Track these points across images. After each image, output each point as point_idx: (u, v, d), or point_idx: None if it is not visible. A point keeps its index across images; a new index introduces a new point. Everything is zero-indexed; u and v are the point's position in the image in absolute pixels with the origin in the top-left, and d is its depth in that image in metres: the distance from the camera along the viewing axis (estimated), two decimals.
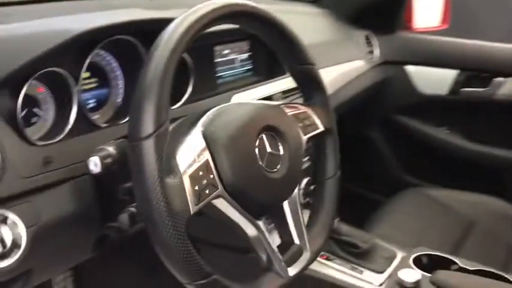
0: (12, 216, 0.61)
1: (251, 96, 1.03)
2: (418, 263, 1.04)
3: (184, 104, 0.93)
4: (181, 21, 0.60)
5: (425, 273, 0.97)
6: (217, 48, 1.05)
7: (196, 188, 0.56)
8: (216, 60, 1.06)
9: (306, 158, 1.01)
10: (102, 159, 0.60)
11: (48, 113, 0.75)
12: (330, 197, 0.82)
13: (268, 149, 0.67)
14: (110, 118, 0.84)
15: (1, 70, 0.64)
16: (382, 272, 1.02)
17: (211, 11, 0.63)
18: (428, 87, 1.68)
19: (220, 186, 0.59)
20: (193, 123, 0.63)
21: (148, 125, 0.53)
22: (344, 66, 1.52)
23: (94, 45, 0.74)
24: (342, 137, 1.86)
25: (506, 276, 0.98)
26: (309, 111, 0.80)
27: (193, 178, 0.56)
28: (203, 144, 0.60)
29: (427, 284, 0.94)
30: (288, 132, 0.71)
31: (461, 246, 1.29)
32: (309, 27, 1.54)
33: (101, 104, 0.85)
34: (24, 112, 0.70)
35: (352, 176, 1.89)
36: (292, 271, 0.68)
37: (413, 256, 1.05)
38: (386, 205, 1.50)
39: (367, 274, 1.02)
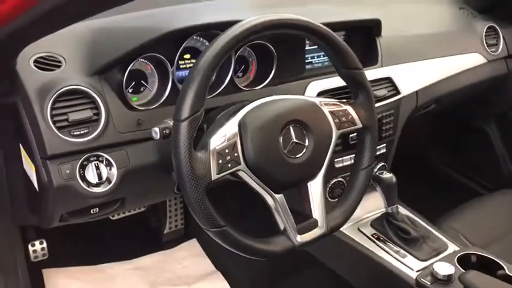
0: (109, 159, 0.87)
1: (327, 85, 1.15)
2: (466, 261, 1.09)
3: (266, 86, 1.11)
4: (236, 28, 0.77)
5: (462, 270, 1.04)
6: None
7: (220, 161, 0.75)
8: (307, 48, 1.20)
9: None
10: (161, 130, 0.82)
11: (153, 85, 0.99)
12: (360, 185, 0.94)
13: (293, 139, 0.82)
14: None
15: (115, 52, 0.89)
16: (424, 261, 1.11)
17: (262, 23, 0.79)
18: None
19: (242, 162, 0.77)
20: (233, 114, 0.81)
21: (185, 110, 0.73)
22: (460, 57, 1.52)
23: (188, 36, 0.96)
24: (453, 127, 1.87)
25: None
26: (349, 109, 0.91)
27: (220, 154, 0.75)
28: (236, 129, 0.78)
29: (456, 281, 1.01)
30: (315, 126, 0.85)
31: None
32: (428, 16, 1.56)
33: None
34: (133, 83, 0.96)
35: (462, 167, 1.89)
36: (302, 239, 0.84)
37: (461, 253, 1.11)
38: (477, 200, 1.51)
39: (409, 259, 1.11)
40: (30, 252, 1.20)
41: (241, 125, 0.79)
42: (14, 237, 1.09)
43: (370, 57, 1.28)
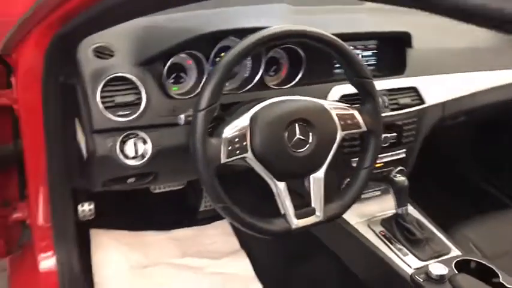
0: (146, 137, 1.03)
1: (350, 90, 1.25)
2: (465, 266, 1.16)
3: (293, 86, 1.22)
4: (253, 36, 0.90)
5: (456, 273, 1.11)
6: None
7: (230, 148, 0.88)
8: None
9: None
10: (186, 117, 0.96)
11: (191, 78, 1.14)
12: (360, 182, 1.04)
13: (298, 135, 0.94)
14: (235, 87, 1.20)
15: (158, 47, 1.04)
16: (423, 261, 1.19)
17: (277, 33, 0.91)
18: None
19: (250, 151, 0.90)
20: (247, 109, 0.94)
21: (203, 102, 0.86)
22: (496, 73, 1.55)
23: (221, 37, 1.09)
24: (493, 141, 1.89)
25: None
26: (356, 114, 1.01)
27: (230, 141, 0.88)
28: (247, 122, 0.91)
29: (448, 282, 1.08)
30: (320, 125, 0.96)
31: None
32: (466, 31, 1.60)
33: (232, 76, 1.20)
34: (174, 74, 1.11)
35: (494, 178, 1.92)
36: (299, 223, 0.96)
37: (460, 258, 1.18)
38: (499, 213, 1.54)
39: (409, 258, 1.20)
40: (79, 211, 1.39)
41: (252, 119, 0.92)
42: (66, 197, 1.28)
43: (398, 67, 1.36)
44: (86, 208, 1.40)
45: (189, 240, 1.70)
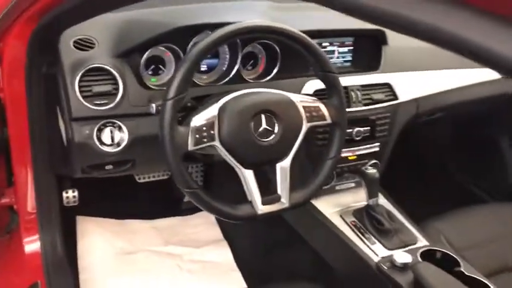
0: (122, 126, 1.08)
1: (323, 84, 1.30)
2: (431, 256, 1.21)
3: (269, 80, 1.27)
4: (221, 30, 0.94)
5: (420, 261, 1.16)
6: (316, 41, 1.34)
7: (197, 136, 0.93)
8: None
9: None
10: (157, 106, 1.01)
11: (169, 70, 1.19)
12: (324, 172, 1.09)
13: (264, 125, 0.99)
14: (213, 80, 1.24)
15: (136, 40, 1.09)
16: (390, 250, 1.24)
17: (246, 28, 0.95)
18: None
19: (217, 139, 0.95)
20: (217, 100, 0.99)
21: (172, 92, 0.91)
22: (470, 71, 1.60)
23: (197, 31, 1.14)
24: (470, 137, 1.94)
25: (490, 286, 1.09)
26: (322, 106, 1.06)
27: (198, 130, 0.93)
28: (216, 112, 0.96)
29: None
30: (284, 115, 1.00)
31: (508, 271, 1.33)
32: None
33: (211, 69, 1.25)
34: (152, 66, 1.16)
35: (471, 173, 1.96)
36: (265, 209, 1.01)
37: (426, 248, 1.23)
38: (473, 208, 1.59)
39: (377, 246, 1.25)
40: (64, 198, 1.44)
41: (220, 109, 0.97)
42: (51, 184, 1.33)
43: (373, 63, 1.40)
44: (70, 195, 1.45)
45: (172, 229, 1.75)
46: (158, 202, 1.84)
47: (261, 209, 1.01)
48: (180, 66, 0.92)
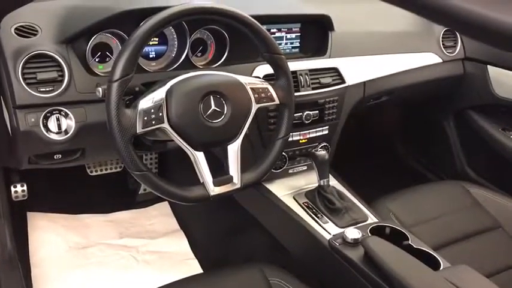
0: (69, 113, 1.06)
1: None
2: (380, 232, 1.25)
3: (219, 65, 1.28)
4: (165, 12, 0.94)
5: (369, 236, 1.20)
6: (264, 27, 1.36)
7: (145, 118, 0.93)
8: None
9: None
10: (103, 90, 1.00)
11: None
12: (274, 152, 1.11)
13: (213, 106, 1.00)
14: (163, 67, 1.24)
15: (80, 25, 1.07)
16: (342, 228, 1.27)
17: (190, 9, 0.96)
18: (506, 92, 1.71)
19: (166, 121, 0.95)
20: (164, 82, 0.99)
21: (117, 73, 0.90)
22: (414, 55, 1.66)
23: (147, 15, 1.13)
24: (418, 120, 2.01)
25: (437, 257, 1.14)
26: (269, 88, 1.08)
27: (145, 112, 0.93)
28: (163, 95, 0.96)
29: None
30: (234, 98, 1.02)
31: (457, 244, 1.38)
32: (388, 16, 1.70)
33: (159, 55, 1.25)
34: (99, 53, 1.14)
35: (419, 155, 2.05)
36: (217, 191, 1.02)
37: (375, 224, 1.27)
38: (420, 187, 1.65)
39: (329, 225, 1.28)
40: (12, 192, 1.41)
41: (168, 91, 0.97)
42: None
43: (321, 48, 1.44)
44: (18, 189, 1.41)
45: (127, 222, 1.74)
46: (113, 195, 1.82)
47: (213, 190, 1.01)
48: (124, 48, 0.92)
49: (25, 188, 1.42)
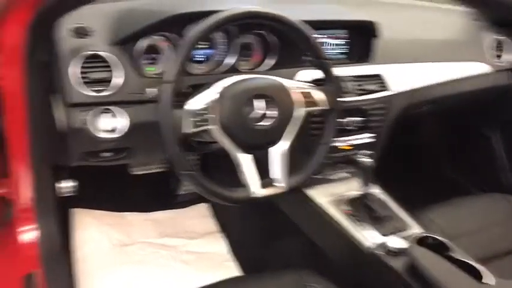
0: (119, 113, 1.09)
1: (311, 75, 1.30)
2: (423, 242, 1.23)
3: (269, 69, 1.29)
4: (222, 13, 0.97)
5: (416, 246, 1.18)
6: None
7: (196, 119, 0.94)
8: None
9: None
10: (156, 90, 1.02)
11: (166, 58, 1.20)
12: (318, 157, 1.11)
13: (262, 110, 1.01)
14: (208, 70, 1.26)
15: (133, 28, 1.10)
16: (384, 236, 1.25)
17: (243, 13, 0.98)
18: None
19: (216, 123, 0.97)
20: (214, 85, 1.01)
21: (172, 74, 0.93)
22: (460, 64, 1.63)
23: (199, 18, 1.15)
24: (462, 131, 1.97)
25: (482, 270, 1.11)
26: (318, 92, 1.08)
27: (196, 113, 0.95)
28: (216, 97, 0.98)
29: (405, 255, 1.15)
30: (282, 100, 1.03)
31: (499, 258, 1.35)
32: (437, 24, 1.68)
33: (207, 59, 1.27)
34: (149, 55, 1.17)
35: (462, 166, 2.00)
36: (261, 192, 1.02)
37: (419, 234, 1.24)
38: (464, 199, 1.61)
39: (370, 232, 1.26)
40: (60, 188, 1.45)
41: (221, 93, 0.99)
42: (47, 173, 1.34)
43: (365, 55, 1.42)
44: (66, 185, 1.45)
45: (167, 222, 1.76)
46: (153, 195, 1.86)
47: (259, 192, 1.02)
48: (179, 50, 0.94)
49: (73, 184, 1.46)
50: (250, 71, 1.28)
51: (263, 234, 1.70)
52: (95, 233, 1.61)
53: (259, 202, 1.04)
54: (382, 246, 1.20)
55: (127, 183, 1.78)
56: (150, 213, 1.79)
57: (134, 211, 1.77)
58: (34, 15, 1.02)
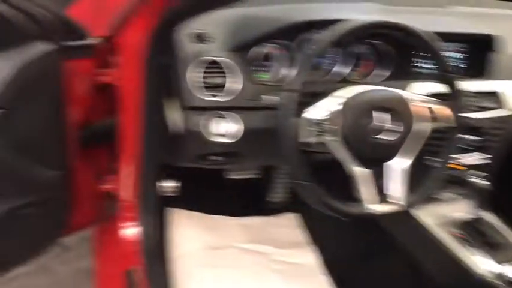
0: (234, 118, 1.10)
1: (427, 89, 1.24)
2: None
3: (384, 80, 1.26)
4: (355, 21, 0.95)
5: None
6: None
7: (317, 129, 0.93)
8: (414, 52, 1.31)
9: None
10: (279, 97, 1.00)
11: (280, 66, 1.20)
12: (437, 176, 1.06)
13: (378, 122, 0.97)
14: (321, 78, 1.24)
15: (250, 35, 1.11)
16: (498, 263, 1.17)
17: (377, 23, 0.95)
18: None
19: (339, 135, 0.95)
20: (335, 95, 0.98)
21: (297, 84, 0.92)
22: None
23: (314, 27, 1.14)
24: None
25: None
26: (443, 108, 1.03)
27: (319, 124, 0.93)
28: (340, 107, 0.95)
29: None
30: (404, 115, 0.99)
31: None
32: None
33: (318, 67, 1.25)
34: (263, 62, 1.17)
35: None
36: (376, 208, 0.98)
37: None
38: None
39: (483, 260, 1.18)
40: (164, 188, 1.49)
41: (344, 104, 0.96)
42: (154, 173, 1.37)
43: (482, 70, 1.34)
44: (170, 185, 1.48)
45: (257, 228, 1.76)
46: (245, 200, 1.86)
47: (376, 208, 0.99)
48: (305, 59, 0.93)
49: (176, 184, 1.49)
50: (362, 81, 1.25)
51: (360, 250, 1.64)
52: (191, 234, 1.64)
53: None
54: (500, 276, 1.11)
55: (219, 187, 1.80)
56: (241, 218, 1.79)
57: (225, 214, 1.79)
58: (159, 20, 1.05)
